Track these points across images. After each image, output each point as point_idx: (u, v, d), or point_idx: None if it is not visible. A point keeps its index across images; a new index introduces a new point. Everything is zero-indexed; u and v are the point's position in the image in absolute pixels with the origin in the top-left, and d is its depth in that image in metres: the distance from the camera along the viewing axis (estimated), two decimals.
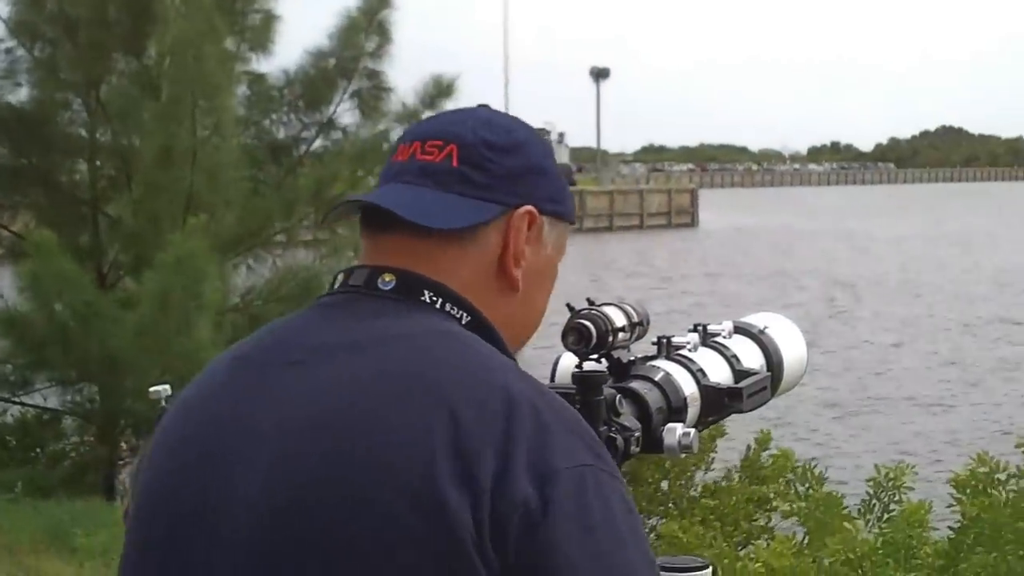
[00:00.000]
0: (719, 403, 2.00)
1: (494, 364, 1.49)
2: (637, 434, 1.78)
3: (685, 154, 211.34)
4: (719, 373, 2.06)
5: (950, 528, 5.10)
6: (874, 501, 5.60)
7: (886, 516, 5.47)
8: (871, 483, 5.60)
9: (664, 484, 7.50)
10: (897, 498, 5.57)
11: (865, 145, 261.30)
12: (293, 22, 10.47)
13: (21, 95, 10.08)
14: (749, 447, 7.57)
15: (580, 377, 1.77)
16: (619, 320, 1.95)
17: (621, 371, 1.94)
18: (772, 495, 6.99)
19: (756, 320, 2.26)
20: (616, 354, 1.94)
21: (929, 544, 5.02)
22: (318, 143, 10.24)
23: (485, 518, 1.36)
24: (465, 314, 1.56)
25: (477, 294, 1.58)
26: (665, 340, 2.05)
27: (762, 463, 7.47)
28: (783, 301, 33.18)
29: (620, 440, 1.75)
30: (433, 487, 1.36)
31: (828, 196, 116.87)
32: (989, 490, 4.95)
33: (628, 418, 1.79)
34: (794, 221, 71.49)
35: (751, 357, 2.17)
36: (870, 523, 5.48)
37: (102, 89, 9.84)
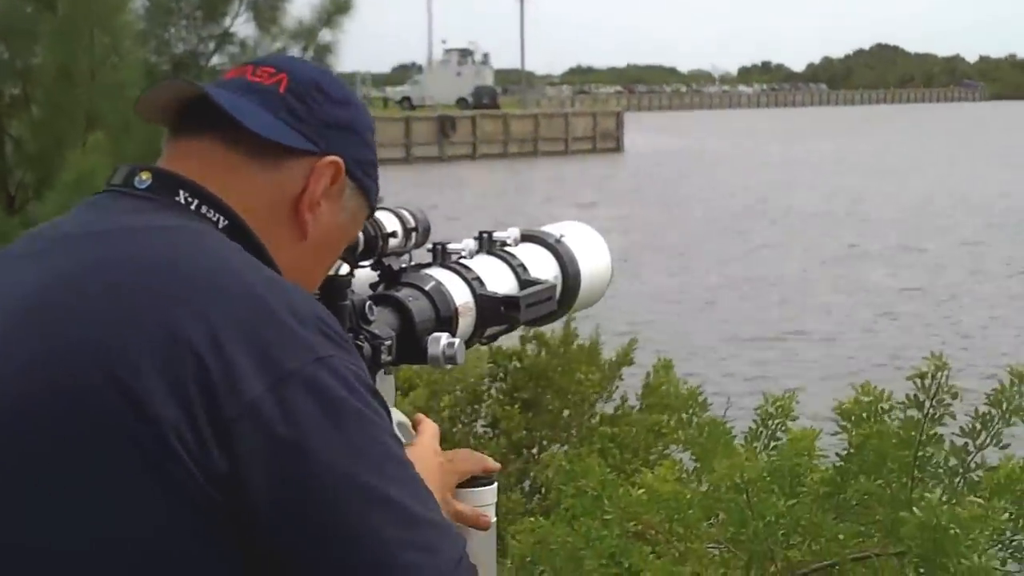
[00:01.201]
0: (496, 313, 1.94)
1: (232, 260, 1.46)
2: (388, 343, 1.74)
3: (613, 75, 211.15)
4: (502, 283, 2.00)
5: (837, 455, 5.06)
6: (761, 429, 5.54)
7: (773, 444, 5.41)
8: (759, 411, 5.53)
9: (566, 413, 7.48)
10: (784, 427, 5.52)
11: (797, 65, 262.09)
12: None
13: None
14: (648, 374, 7.53)
15: (325, 281, 1.72)
16: (391, 225, 1.89)
17: (391, 278, 1.90)
18: (670, 423, 6.97)
19: (554, 229, 2.18)
20: (387, 261, 1.90)
21: (816, 472, 4.98)
22: (216, 59, 9.93)
23: (202, 417, 1.32)
24: (222, 218, 1.53)
25: (262, 226, 1.56)
26: (440, 247, 2.00)
27: (662, 392, 7.46)
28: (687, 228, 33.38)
29: (368, 348, 1.71)
30: (138, 380, 1.33)
31: (755, 119, 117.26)
32: (876, 419, 4.90)
33: (380, 326, 1.75)
34: (718, 146, 71.59)
35: (543, 267, 2.10)
36: (758, 451, 5.43)
37: None
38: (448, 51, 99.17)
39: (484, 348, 8.03)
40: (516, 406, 7.09)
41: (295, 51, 9.56)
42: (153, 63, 9.69)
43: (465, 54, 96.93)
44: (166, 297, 1.39)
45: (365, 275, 1.91)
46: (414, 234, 1.93)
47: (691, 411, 5.76)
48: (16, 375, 1.38)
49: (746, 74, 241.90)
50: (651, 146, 70.80)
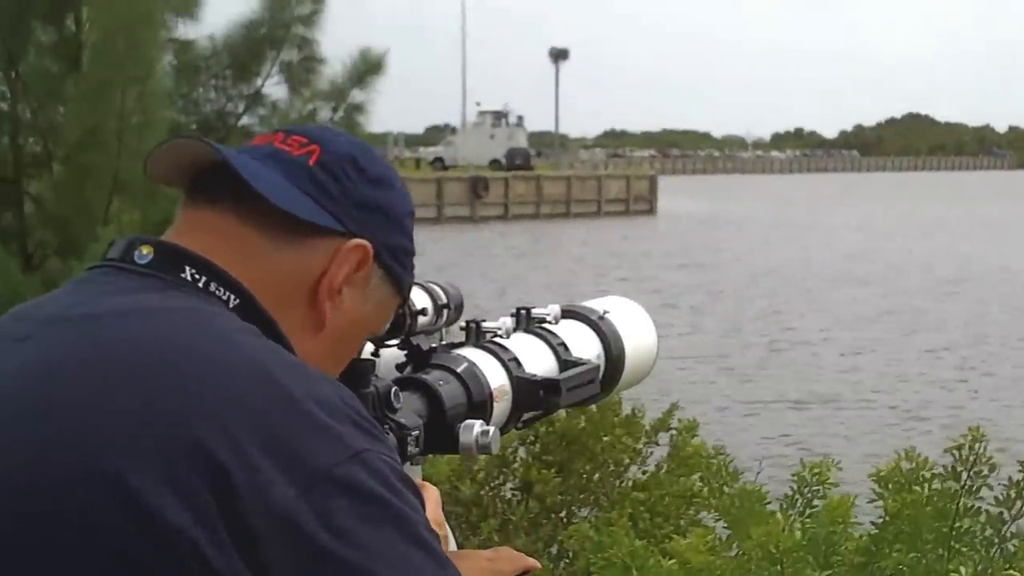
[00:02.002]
0: (534, 397, 1.81)
1: (247, 345, 1.31)
2: (416, 432, 1.61)
3: (647, 140, 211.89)
4: (541, 363, 1.87)
5: (872, 524, 4.95)
6: (797, 496, 5.43)
7: (808, 512, 5.30)
8: (795, 478, 5.42)
9: (596, 477, 7.37)
10: (821, 493, 5.41)
11: (830, 132, 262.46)
12: None
13: None
14: (673, 436, 7.43)
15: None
16: (421, 302, 1.76)
17: (420, 360, 1.76)
18: (701, 487, 6.88)
19: (597, 304, 2.06)
20: (416, 340, 1.76)
21: (851, 540, 4.87)
22: (245, 119, 9.89)
23: (222, 531, 1.17)
24: (233, 296, 1.38)
25: (275, 309, 1.40)
26: (474, 325, 1.87)
27: (687, 453, 7.37)
28: (717, 288, 33.27)
29: (393, 439, 1.57)
30: (143, 492, 1.17)
31: (789, 184, 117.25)
32: (912, 487, 4.79)
33: (407, 414, 1.61)
34: (752, 209, 71.59)
35: (585, 346, 1.98)
36: (792, 518, 5.33)
37: (21, 62, 9.52)
38: (482, 113, 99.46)
39: None
40: (551, 470, 6.99)
41: (325, 112, 9.51)
42: (181, 123, 9.68)
43: (499, 116, 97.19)
44: (171, 392, 1.23)
45: (392, 355, 1.78)
46: (446, 311, 1.81)
47: (722, 479, 5.66)
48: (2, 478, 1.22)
49: (779, 140, 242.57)
50: (684, 209, 70.77)
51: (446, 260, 41.27)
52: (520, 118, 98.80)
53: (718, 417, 15.79)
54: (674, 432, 7.45)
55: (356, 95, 9.54)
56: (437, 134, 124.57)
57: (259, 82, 9.89)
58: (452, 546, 1.79)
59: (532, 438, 7.40)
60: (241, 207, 1.40)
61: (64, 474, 1.19)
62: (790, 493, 5.55)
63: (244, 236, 1.40)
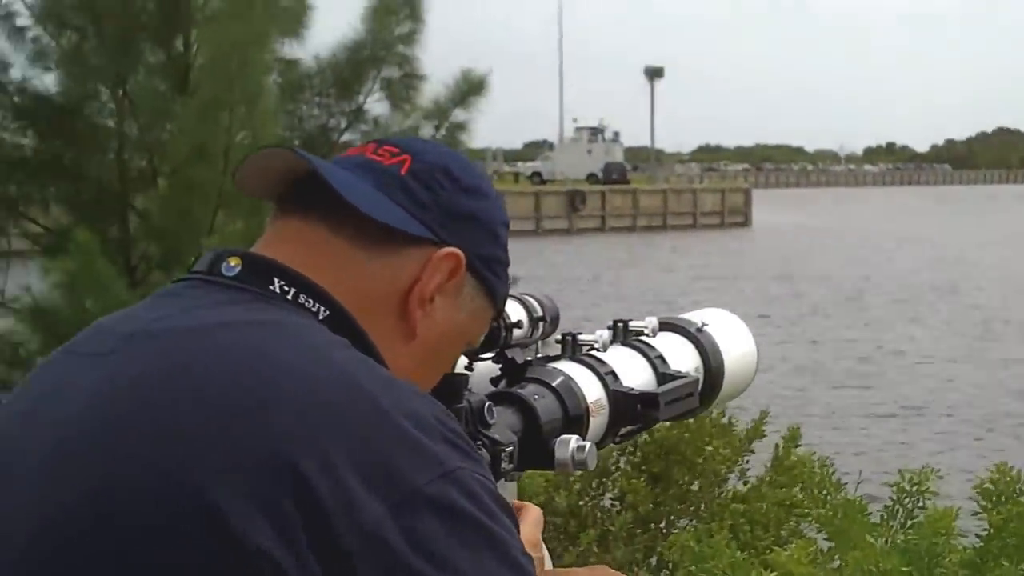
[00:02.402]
0: (632, 411, 1.78)
1: (338, 359, 1.27)
2: (510, 448, 1.57)
3: (741, 154, 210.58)
4: (639, 376, 1.85)
5: (977, 536, 4.91)
6: (897, 507, 5.40)
7: (910, 523, 5.27)
8: (895, 488, 5.39)
9: (695, 486, 7.35)
10: (921, 503, 5.38)
11: (921, 146, 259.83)
12: (326, 5, 10.29)
13: (47, 83, 9.94)
14: (777, 446, 7.40)
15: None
16: (516, 314, 1.74)
17: (515, 373, 1.74)
18: (802, 498, 6.84)
19: (695, 316, 2.04)
20: (511, 354, 1.74)
21: (955, 552, 4.83)
22: (347, 135, 10.00)
23: (309, 553, 1.14)
24: (323, 308, 1.35)
25: (366, 319, 1.38)
26: (571, 338, 1.83)
27: (791, 463, 7.33)
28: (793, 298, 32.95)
29: (486, 455, 1.53)
30: (229, 512, 1.14)
31: (881, 196, 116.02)
32: (1012, 501, 4.76)
33: (501, 429, 1.58)
34: (846, 222, 70.98)
35: (683, 359, 1.95)
36: (893, 529, 5.30)
37: (129, 81, 9.70)
38: (579, 128, 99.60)
39: None
40: (642, 479, 6.98)
41: (427, 130, 9.58)
42: (286, 139, 9.79)
43: (595, 132, 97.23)
44: (257, 407, 1.19)
45: (486, 369, 1.75)
46: (541, 324, 1.78)
47: (824, 490, 5.64)
48: (75, 506, 1.19)
49: (871, 154, 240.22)
50: (779, 222, 70.28)
51: (544, 272, 41.38)
52: (616, 133, 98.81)
53: (810, 427, 15.66)
54: (779, 443, 7.46)
55: (458, 114, 9.57)
56: (535, 149, 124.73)
57: (361, 99, 10.00)
58: (548, 565, 1.74)
59: (631, 448, 7.40)
60: (332, 217, 1.38)
61: (147, 489, 1.16)
62: (890, 504, 5.54)
63: (335, 246, 1.38)
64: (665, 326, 1.99)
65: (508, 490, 1.69)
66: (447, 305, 1.44)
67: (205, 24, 8.85)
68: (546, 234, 59.18)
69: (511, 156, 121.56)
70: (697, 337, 1.99)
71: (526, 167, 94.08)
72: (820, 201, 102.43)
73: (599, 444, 1.77)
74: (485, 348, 1.71)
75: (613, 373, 1.79)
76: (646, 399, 1.78)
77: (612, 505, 7.27)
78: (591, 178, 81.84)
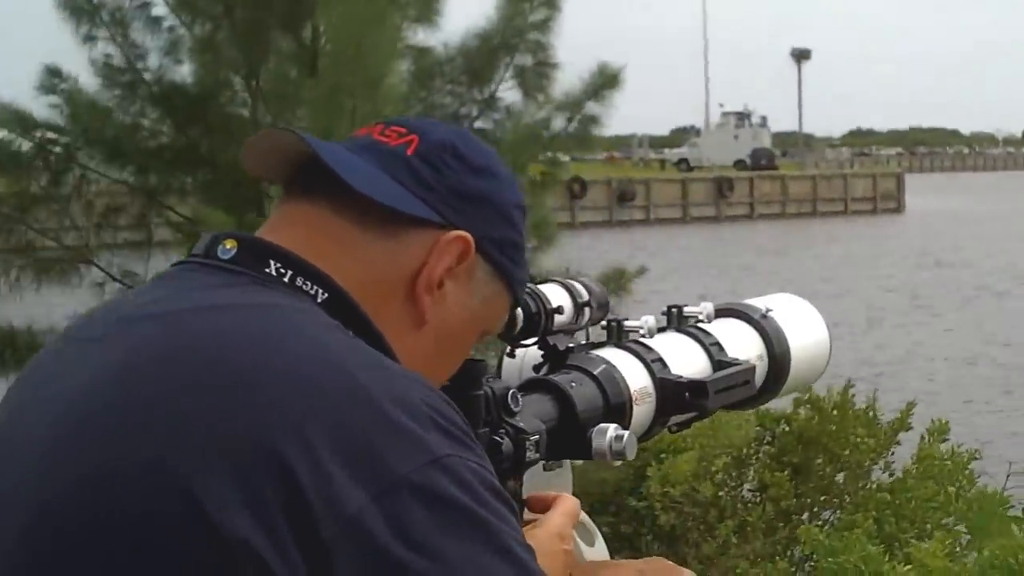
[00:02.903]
0: (680, 399, 1.70)
1: (329, 343, 1.25)
2: (535, 437, 1.51)
3: (894, 138, 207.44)
4: (692, 364, 1.77)
5: None
6: None
7: None
8: None
9: (838, 478, 7.18)
10: None
11: None
12: None
13: (183, 73, 10.02)
14: (923, 437, 7.20)
15: None
16: (557, 299, 1.67)
17: (556, 360, 1.68)
18: (937, 491, 6.67)
19: (761, 302, 1.96)
20: (553, 340, 1.68)
21: None
22: (479, 123, 9.92)
23: (291, 541, 1.12)
24: (321, 291, 1.32)
25: (371, 304, 1.34)
26: (616, 324, 1.76)
27: (926, 456, 7.15)
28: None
29: (508, 444, 1.48)
30: (212, 501, 1.12)
31: None
32: None
33: (527, 418, 1.51)
34: (1004, 207, 69.39)
35: (744, 345, 1.87)
36: None
37: (262, 69, 9.75)
38: (726, 114, 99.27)
39: (751, 411, 7.88)
40: (785, 472, 6.80)
41: (560, 121, 9.48)
42: None
43: (742, 117, 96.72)
44: (242, 392, 1.18)
45: (530, 356, 1.70)
46: (587, 309, 1.70)
47: (958, 483, 5.42)
48: (68, 495, 1.19)
49: None
50: (933, 207, 69.04)
51: (691, 259, 41.16)
52: (763, 118, 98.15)
53: (960, 418, 15.28)
54: (924, 434, 7.25)
55: (591, 107, 9.45)
56: (682, 136, 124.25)
57: (493, 87, 9.92)
58: (603, 554, 1.68)
59: (769, 438, 7.25)
60: (336, 200, 1.36)
61: (133, 478, 1.16)
62: None
63: (340, 229, 1.36)
64: (728, 312, 1.93)
65: (564, 475, 1.67)
66: (458, 291, 1.40)
67: (330, 7, 8.83)
68: (693, 221, 58.95)
69: (658, 143, 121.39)
70: (761, 323, 1.92)
71: (672, 154, 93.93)
72: (976, 186, 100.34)
73: (647, 433, 1.74)
74: (526, 334, 1.66)
75: (661, 360, 1.73)
76: (695, 387, 1.71)
77: (751, 496, 7.15)
78: (738, 164, 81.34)
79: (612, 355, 1.70)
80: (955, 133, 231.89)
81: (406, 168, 1.38)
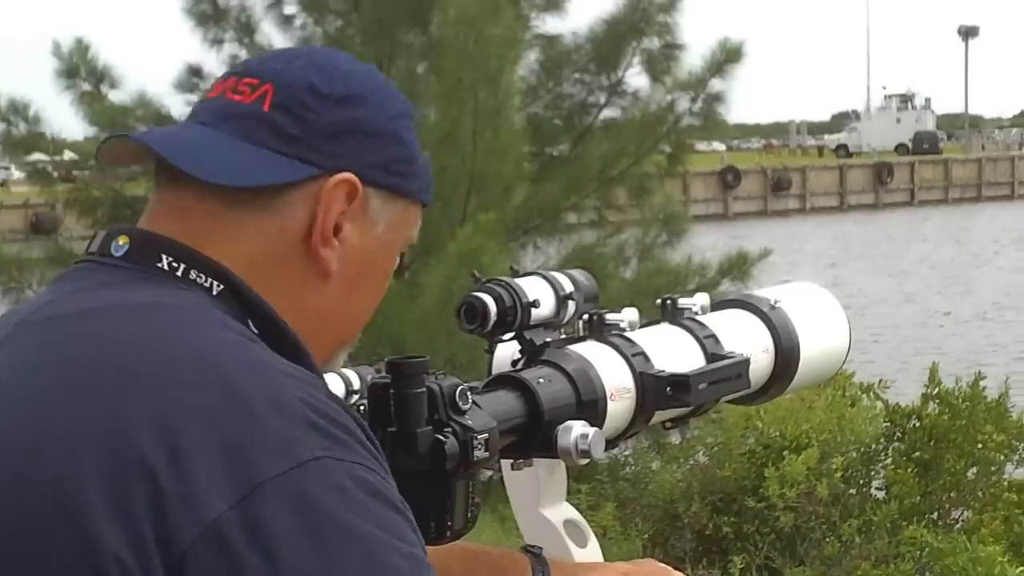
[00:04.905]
0: (660, 395, 1.61)
1: (209, 343, 1.21)
2: (484, 436, 1.44)
3: None
4: (685, 357, 1.69)
5: None
6: None
7: None
8: None
9: (970, 474, 6.98)
10: None
11: None
12: None
13: None
14: None
15: (392, 364, 1.43)
16: (535, 292, 1.61)
17: (533, 355, 1.62)
18: None
19: (771, 293, 1.85)
20: (529, 335, 1.61)
21: None
22: (606, 112, 9.83)
23: (152, 547, 1.08)
24: (216, 283, 1.28)
25: (271, 277, 1.32)
26: (596, 317, 1.68)
27: None
28: None
29: (453, 443, 1.41)
30: (84, 507, 1.10)
31: None
32: None
33: (477, 415, 1.45)
34: None
35: (748, 338, 1.77)
36: None
37: (392, 67, 9.81)
38: (888, 97, 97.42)
39: (879, 405, 7.69)
40: (910, 469, 6.61)
41: (684, 102, 9.37)
42: (541, 117, 9.71)
43: (905, 99, 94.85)
44: (118, 399, 1.15)
45: (509, 351, 1.64)
46: (570, 302, 1.64)
47: None
48: None
49: None
50: None
51: (847, 247, 40.58)
52: (927, 100, 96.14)
53: None
54: None
55: (715, 84, 9.30)
56: (842, 121, 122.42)
57: (620, 72, 9.82)
58: (595, 556, 1.65)
59: (899, 434, 7.08)
60: (200, 186, 1.31)
61: (6, 481, 1.14)
62: None
63: (211, 212, 1.31)
64: (734, 303, 1.86)
65: (558, 473, 1.65)
66: (357, 228, 1.35)
67: (446, 3, 8.84)
68: (850, 209, 57.99)
69: (818, 129, 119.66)
70: (768, 315, 1.82)
71: (831, 140, 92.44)
72: None
73: (627, 430, 1.66)
74: (500, 330, 1.61)
75: (643, 354, 1.65)
76: (676, 381, 1.63)
77: (879, 494, 7.00)
78: (900, 149, 79.74)
79: (590, 350, 1.64)
80: None
81: (266, 127, 1.32)
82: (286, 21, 10.16)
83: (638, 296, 7.93)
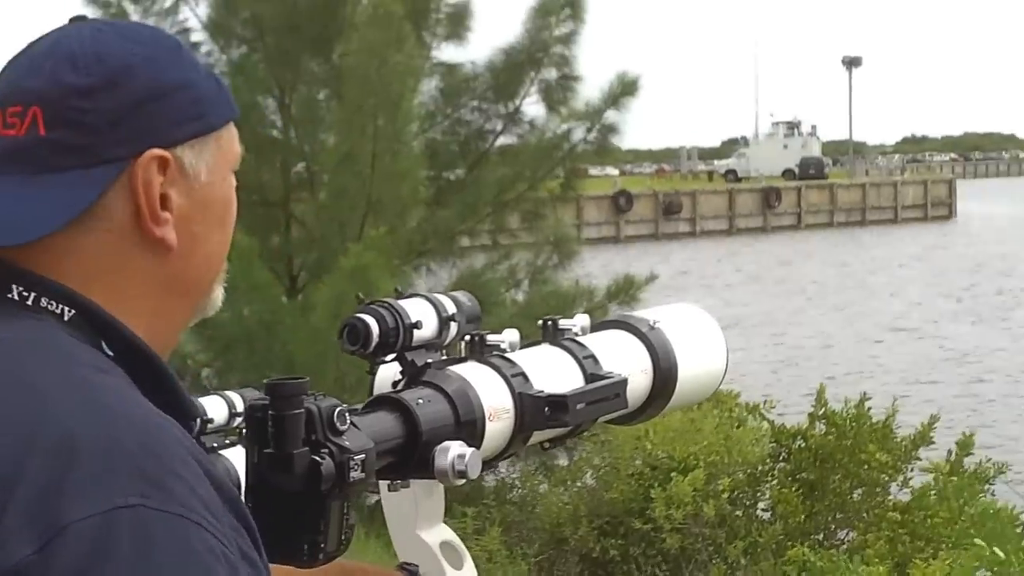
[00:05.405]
0: (538, 415, 1.63)
1: (44, 382, 1.18)
2: (360, 456, 1.43)
3: (948, 144, 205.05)
4: (564, 378, 1.70)
5: None
6: None
7: None
8: None
9: (855, 495, 7.12)
10: None
11: None
12: (490, 11, 10.29)
13: None
14: (951, 452, 7.12)
15: (271, 386, 1.40)
16: (417, 314, 1.61)
17: (415, 376, 1.62)
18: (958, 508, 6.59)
19: (651, 313, 1.89)
20: (411, 356, 1.62)
21: None
22: (503, 139, 10.00)
23: None
24: (67, 308, 1.25)
25: (122, 281, 1.28)
26: (477, 338, 1.69)
27: (964, 469, 7.06)
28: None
29: (329, 464, 1.40)
30: None
31: None
32: None
33: (355, 435, 1.44)
34: None
35: (628, 358, 1.81)
36: None
37: (294, 93, 9.90)
38: (775, 124, 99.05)
39: (766, 426, 7.83)
40: (795, 490, 6.75)
41: (579, 131, 9.58)
42: (438, 143, 9.86)
43: (792, 126, 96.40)
44: None
45: (391, 372, 1.64)
46: (453, 323, 1.65)
47: (973, 500, 5.39)
48: None
49: None
50: (987, 213, 68.43)
51: (737, 270, 41.06)
52: (814, 127, 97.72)
53: (985, 429, 15.16)
54: (953, 449, 7.17)
55: (611, 115, 9.52)
56: (732, 147, 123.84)
57: (518, 101, 10.00)
58: None
59: (785, 455, 7.21)
60: None
61: None
62: None
63: (49, 244, 1.27)
64: (614, 324, 1.88)
65: (436, 494, 1.64)
66: (183, 189, 1.30)
67: (353, 31, 8.95)
68: (739, 233, 58.73)
69: (709, 154, 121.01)
70: (647, 336, 1.85)
71: (720, 165, 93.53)
72: None
73: (505, 451, 1.66)
74: (381, 351, 1.60)
75: (523, 375, 1.66)
76: (554, 402, 1.64)
77: (765, 514, 7.10)
78: (787, 174, 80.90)
79: (470, 371, 1.64)
80: (1011, 138, 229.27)
81: (53, 151, 1.26)
82: (193, 48, 10.21)
83: (529, 318, 8.07)
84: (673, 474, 6.63)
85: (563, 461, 7.94)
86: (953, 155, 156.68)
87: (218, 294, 1.40)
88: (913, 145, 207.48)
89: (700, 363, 1.91)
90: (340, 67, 9.58)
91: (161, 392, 1.26)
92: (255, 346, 9.07)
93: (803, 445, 7.17)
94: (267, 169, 10.36)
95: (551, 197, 9.88)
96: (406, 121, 8.61)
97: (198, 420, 1.58)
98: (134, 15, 9.78)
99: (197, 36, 10.15)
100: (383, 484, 1.60)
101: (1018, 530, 4.97)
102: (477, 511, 7.23)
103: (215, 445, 2.13)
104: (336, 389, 6.89)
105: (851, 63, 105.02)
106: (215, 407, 2.30)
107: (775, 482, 7.25)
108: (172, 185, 1.29)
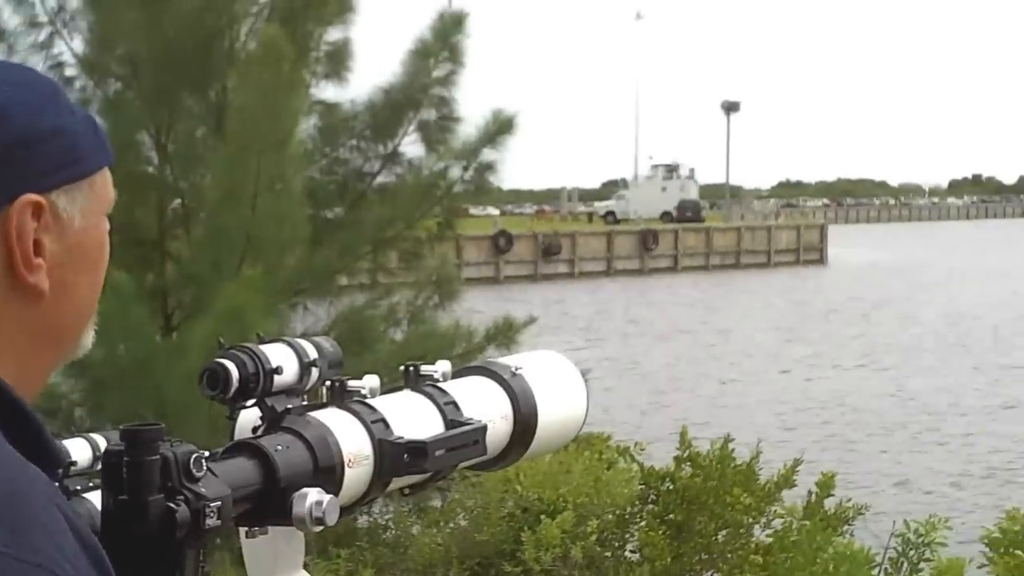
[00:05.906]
0: (398, 461, 1.65)
1: None
2: (217, 503, 1.42)
3: (822, 189, 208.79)
4: (425, 424, 1.73)
5: None
6: (902, 559, 5.31)
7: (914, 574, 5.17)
8: (899, 539, 5.29)
9: (719, 537, 7.20)
10: (927, 555, 5.28)
11: (1009, 178, 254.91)
12: (371, 51, 10.32)
13: None
14: (811, 492, 7.25)
15: (126, 433, 1.39)
16: (278, 359, 1.63)
17: (274, 421, 1.64)
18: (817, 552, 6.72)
19: (513, 360, 1.93)
20: (271, 401, 1.63)
21: None
22: (381, 178, 10.03)
23: None
24: None
25: None
26: (338, 384, 1.70)
27: (825, 510, 7.19)
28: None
29: (184, 511, 1.39)
30: None
31: (964, 231, 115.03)
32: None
33: (211, 482, 1.44)
34: (924, 257, 70.32)
35: (488, 405, 1.83)
36: None
37: (171, 130, 9.83)
38: (655, 167, 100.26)
39: (635, 468, 7.92)
40: (662, 531, 6.84)
41: (456, 170, 9.63)
42: (317, 182, 9.85)
43: (671, 169, 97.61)
44: None
45: (251, 417, 1.66)
46: (314, 369, 1.67)
47: (815, 543, 5.54)
48: None
49: (957, 187, 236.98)
50: (856, 258, 69.75)
51: (617, 311, 41.42)
52: (692, 171, 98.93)
53: (848, 467, 15.45)
54: (814, 490, 7.30)
55: (488, 154, 9.57)
56: (613, 188, 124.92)
57: (396, 141, 10.04)
58: None
59: (653, 497, 7.28)
60: None
61: None
62: (895, 556, 5.44)
63: None
64: (476, 370, 1.90)
65: (296, 540, 1.64)
66: (56, 235, 1.31)
67: (239, 69, 8.91)
68: (618, 274, 59.28)
69: (590, 196, 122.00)
70: (508, 382, 1.88)
71: (600, 207, 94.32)
72: (901, 237, 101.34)
73: (364, 496, 1.68)
74: (241, 396, 1.62)
75: (384, 421, 1.68)
76: (413, 448, 1.66)
77: (633, 556, 7.14)
78: (665, 216, 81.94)
79: (329, 416, 1.65)
80: (883, 184, 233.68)
81: None
82: (67, 83, 10.10)
83: (407, 358, 8.09)
84: (543, 516, 6.67)
85: (436, 502, 7.95)
86: (826, 200, 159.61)
87: (88, 337, 1.41)
88: (788, 189, 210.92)
89: (560, 410, 1.94)
90: (219, 104, 9.54)
91: (27, 440, 1.24)
92: (128, 385, 8.98)
93: (671, 487, 7.23)
94: (141, 207, 10.30)
95: (429, 236, 9.92)
96: (291, 161, 8.61)
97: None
98: (4, 51, 9.66)
99: (72, 71, 10.07)
100: (242, 531, 1.60)
101: (873, 571, 5.12)
102: (351, 553, 7.18)
103: (78, 488, 2.12)
104: (208, 431, 6.85)
105: (729, 108, 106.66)
106: (79, 449, 2.29)
107: (644, 524, 7.30)
108: (46, 231, 1.29)
